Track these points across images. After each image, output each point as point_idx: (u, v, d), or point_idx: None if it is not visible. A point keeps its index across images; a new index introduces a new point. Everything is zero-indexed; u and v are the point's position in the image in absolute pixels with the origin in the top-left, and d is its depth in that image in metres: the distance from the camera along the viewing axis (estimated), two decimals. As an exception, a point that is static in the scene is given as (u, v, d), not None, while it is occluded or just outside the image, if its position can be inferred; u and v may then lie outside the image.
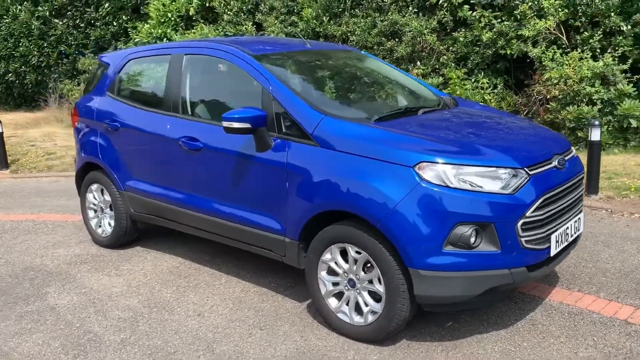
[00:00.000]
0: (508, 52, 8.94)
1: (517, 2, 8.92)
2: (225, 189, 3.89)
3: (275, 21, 11.49)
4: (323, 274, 3.44)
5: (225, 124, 3.51)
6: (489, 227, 2.97)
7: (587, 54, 8.16)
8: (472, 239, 2.96)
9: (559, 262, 3.40)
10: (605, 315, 3.48)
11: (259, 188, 3.67)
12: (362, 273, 3.26)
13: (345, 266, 3.32)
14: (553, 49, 8.47)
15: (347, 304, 3.37)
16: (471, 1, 9.39)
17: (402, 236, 2.99)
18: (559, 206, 3.24)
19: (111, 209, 4.93)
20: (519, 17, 8.92)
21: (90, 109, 4.96)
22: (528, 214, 3.02)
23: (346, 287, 3.36)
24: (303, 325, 3.56)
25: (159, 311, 3.84)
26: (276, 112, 3.57)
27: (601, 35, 8.26)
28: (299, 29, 11.25)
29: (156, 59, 4.66)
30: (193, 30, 12.55)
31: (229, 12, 12.32)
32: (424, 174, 3.00)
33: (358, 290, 3.30)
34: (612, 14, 8.11)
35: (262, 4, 12.07)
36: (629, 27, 8.12)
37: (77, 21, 15.58)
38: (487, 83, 9.25)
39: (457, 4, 9.52)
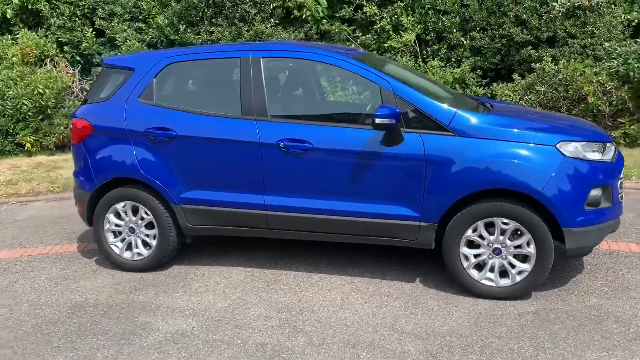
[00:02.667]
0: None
1: (376, 18, 10.11)
2: (345, 187, 4.04)
3: (125, 28, 10.83)
4: (465, 248, 3.90)
5: (378, 120, 3.73)
6: (607, 188, 3.85)
7: (443, 63, 9.74)
8: (600, 199, 3.80)
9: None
10: None
11: (391, 180, 3.94)
12: (509, 241, 3.83)
13: (491, 237, 3.85)
14: (412, 60, 9.87)
15: (492, 271, 3.90)
16: (336, 15, 10.32)
17: (558, 202, 3.68)
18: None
19: (150, 227, 4.50)
20: (378, 31, 10.15)
21: (117, 118, 4.45)
22: (621, 175, 3.99)
23: (490, 256, 3.89)
24: (445, 298, 3.97)
25: (302, 312, 3.83)
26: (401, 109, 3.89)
27: (446, 48, 9.92)
28: (149, 37, 10.83)
29: (214, 63, 4.44)
30: (16, 35, 11.01)
31: (60, 17, 11.16)
32: (564, 150, 3.73)
33: (503, 256, 3.86)
34: (455, 30, 9.80)
35: (100, 9, 11.24)
36: (468, 41, 9.90)
37: None
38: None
39: (319, 17, 10.37)
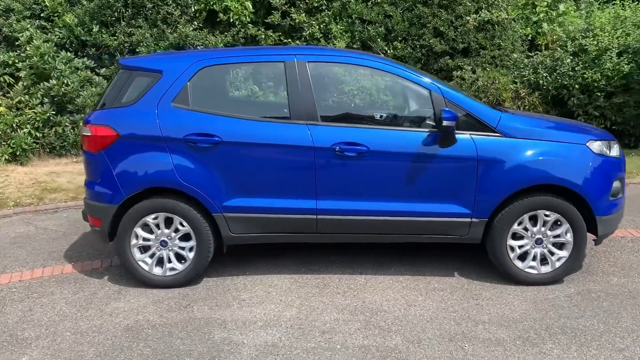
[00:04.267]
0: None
1: (305, 25, 10.29)
2: (399, 188, 4.17)
3: (28, 26, 9.85)
4: (511, 240, 4.25)
5: (445, 123, 3.93)
6: (622, 180, 4.42)
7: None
8: (619, 190, 4.36)
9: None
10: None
11: (445, 180, 4.16)
12: (549, 231, 4.24)
13: (534, 229, 4.24)
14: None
15: (534, 259, 4.28)
16: (266, 20, 10.32)
17: (593, 194, 4.17)
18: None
19: (185, 239, 4.26)
20: (307, 38, 10.35)
21: (149, 124, 4.14)
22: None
23: (532, 246, 4.27)
24: (493, 288, 4.27)
25: (377, 313, 3.89)
26: (450, 113, 4.14)
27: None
28: (56, 37, 10.00)
29: (255, 67, 4.31)
30: None
31: (-58, 12, 9.87)
32: (593, 148, 4.24)
33: (544, 245, 4.27)
34: (379, 40, 10.31)
35: (-7, 5, 10.13)
36: (391, 50, 10.46)
37: None
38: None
39: (246, 22, 10.32)
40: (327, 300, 4.08)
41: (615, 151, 4.42)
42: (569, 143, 4.22)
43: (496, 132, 4.15)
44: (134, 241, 4.25)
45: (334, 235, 4.32)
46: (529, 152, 4.14)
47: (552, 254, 4.28)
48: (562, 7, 10.74)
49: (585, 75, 9.03)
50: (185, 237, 4.27)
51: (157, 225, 4.25)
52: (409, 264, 4.68)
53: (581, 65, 9.13)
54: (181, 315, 3.89)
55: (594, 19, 9.41)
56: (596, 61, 9.05)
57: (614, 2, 10.00)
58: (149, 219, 4.22)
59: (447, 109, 4.03)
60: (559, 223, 4.24)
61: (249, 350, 3.45)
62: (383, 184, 4.18)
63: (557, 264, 4.27)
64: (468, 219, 4.21)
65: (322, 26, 10.30)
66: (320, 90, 4.25)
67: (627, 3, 9.60)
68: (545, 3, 10.90)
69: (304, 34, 10.31)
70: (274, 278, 4.47)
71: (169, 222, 4.26)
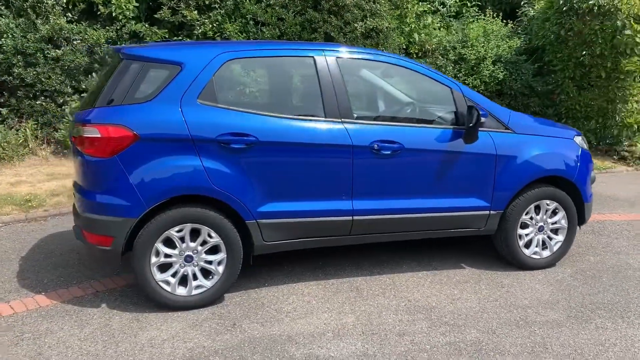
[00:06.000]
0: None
1: (196, 23, 9.81)
2: (430, 185, 4.22)
3: None
4: (519, 229, 4.57)
5: (483, 119, 4.08)
6: (592, 170, 5.02)
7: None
8: (594, 179, 4.94)
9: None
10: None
11: (469, 175, 4.31)
12: (549, 219, 4.65)
13: (538, 217, 4.61)
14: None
15: (537, 245, 4.66)
16: (155, 15, 9.60)
17: (583, 184, 4.67)
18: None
19: (212, 252, 3.82)
20: (199, 37, 9.87)
21: (174, 123, 3.62)
22: None
23: (536, 233, 4.64)
24: (506, 275, 4.53)
25: (437, 309, 3.89)
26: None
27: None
28: None
29: (283, 61, 4.00)
30: None
31: None
32: (577, 142, 4.75)
33: (545, 232, 4.66)
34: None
35: None
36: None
37: None
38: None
39: (130, 17, 9.55)
40: (374, 303, 3.97)
41: (586, 145, 4.98)
42: (562, 138, 4.66)
43: (508, 129, 4.42)
44: (154, 259, 3.69)
45: (366, 236, 4.21)
46: (536, 147, 4.48)
47: (551, 239, 4.67)
48: (429, 19, 11.68)
49: (466, 81, 9.95)
50: (213, 250, 3.82)
51: (182, 239, 3.73)
52: (415, 261, 4.74)
53: (462, 72, 10.04)
54: (237, 337, 3.47)
55: (469, 31, 10.41)
56: (475, 69, 10.03)
57: (479, 17, 11.15)
58: (173, 232, 3.69)
59: (474, 106, 4.17)
60: (556, 211, 4.65)
61: (343, 362, 3.22)
62: (415, 182, 4.19)
63: (555, 248, 4.68)
64: (487, 212, 4.41)
65: (214, 25, 9.88)
66: (352, 87, 4.11)
67: (489, 19, 10.80)
68: (415, 15, 11.76)
69: (196, 32, 9.80)
70: (299, 286, 4.21)
71: (194, 234, 3.77)
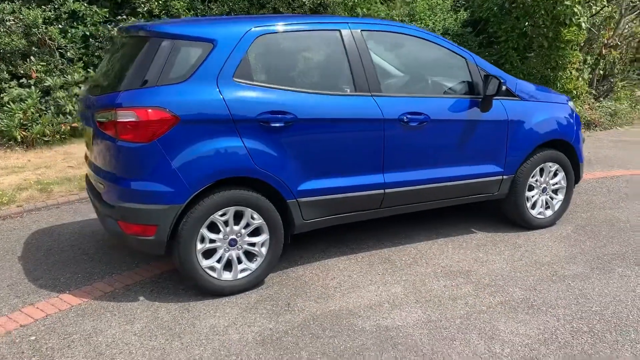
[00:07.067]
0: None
1: (134, 2, 9.35)
2: (453, 154, 4.33)
3: None
4: (527, 192, 4.81)
5: (504, 87, 4.23)
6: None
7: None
8: (584, 139, 5.27)
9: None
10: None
11: (487, 142, 4.47)
12: (551, 180, 4.93)
13: (541, 179, 4.87)
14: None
15: (541, 206, 4.93)
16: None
17: (578, 145, 4.99)
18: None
19: (254, 234, 3.75)
20: (145, 15, 9.44)
21: (214, 103, 3.48)
22: None
23: (539, 195, 4.91)
24: (517, 236, 4.77)
25: (467, 274, 4.04)
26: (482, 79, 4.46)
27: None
28: None
29: (311, 35, 3.91)
30: None
31: None
32: (570, 106, 5.05)
33: (547, 193, 4.94)
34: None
35: None
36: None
37: None
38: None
39: (68, -4, 8.98)
40: (412, 272, 4.05)
41: (576, 108, 5.29)
42: (559, 103, 4.93)
43: (516, 96, 4.61)
44: (199, 246, 3.56)
45: (395, 208, 4.27)
46: (541, 113, 4.71)
47: (552, 199, 4.96)
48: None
49: (417, 54, 10.17)
50: (255, 232, 3.74)
51: (226, 223, 3.62)
52: (428, 229, 4.87)
53: (413, 45, 10.25)
54: (298, 316, 3.44)
55: (417, 5, 10.62)
56: (424, 41, 10.26)
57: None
58: (217, 216, 3.58)
59: (492, 75, 4.31)
60: (557, 172, 4.93)
61: (413, 330, 3.28)
62: (439, 151, 4.29)
63: (556, 207, 4.97)
64: (500, 177, 4.60)
65: (160, 2, 9.46)
66: (377, 59, 4.11)
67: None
68: (358, -11, 11.82)
69: (140, 10, 9.34)
70: (332, 262, 4.22)
71: (237, 217, 3.67)
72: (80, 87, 8.87)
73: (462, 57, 4.39)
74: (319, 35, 3.98)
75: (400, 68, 4.45)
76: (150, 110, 3.34)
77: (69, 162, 7.31)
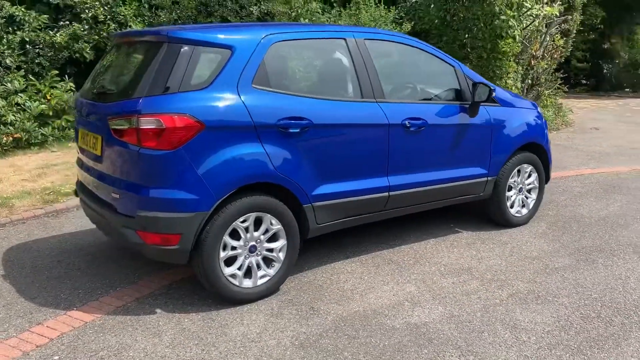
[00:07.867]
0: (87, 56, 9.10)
1: (85, 7, 9.03)
2: (447, 157, 4.55)
3: None
4: (507, 192, 5.12)
5: (494, 94, 4.51)
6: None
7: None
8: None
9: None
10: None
11: (474, 146, 4.72)
12: (526, 180, 5.27)
13: (518, 180, 5.20)
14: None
15: (518, 205, 5.26)
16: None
17: (548, 148, 5.38)
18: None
19: (272, 240, 3.76)
20: (90, 21, 9.13)
21: (236, 109, 3.47)
22: None
23: (516, 194, 5.23)
24: (501, 234, 5.06)
25: (468, 271, 4.25)
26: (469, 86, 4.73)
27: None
28: None
29: (319, 44, 3.98)
30: None
31: None
32: (539, 110, 5.44)
33: (523, 192, 5.28)
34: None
35: None
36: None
37: None
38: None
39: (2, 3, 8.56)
40: (418, 271, 4.20)
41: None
42: (530, 108, 5.29)
43: (496, 102, 4.91)
44: (222, 253, 3.53)
45: (397, 210, 4.41)
46: (518, 118, 5.04)
47: (527, 198, 5.31)
48: (313, 5, 11.98)
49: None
50: (272, 238, 3.75)
51: (246, 229, 3.61)
52: (417, 230, 5.05)
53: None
54: (327, 319, 3.49)
55: (363, 16, 10.91)
56: (370, 52, 10.56)
57: (365, 3, 11.72)
58: (238, 223, 3.56)
59: (481, 82, 4.58)
60: (531, 173, 5.28)
61: (441, 325, 3.42)
62: (435, 155, 4.49)
63: (531, 205, 5.32)
64: (485, 178, 4.87)
65: (106, 8, 9.16)
66: (379, 67, 4.25)
67: (370, 5, 11.43)
68: (301, 1, 11.99)
69: (85, 16, 9.01)
70: (339, 265, 4.29)
71: (257, 223, 3.67)
72: (21, 96, 8.44)
73: (451, 65, 4.63)
74: (328, 43, 4.07)
75: (397, 75, 4.62)
76: (176, 117, 3.28)
77: (21, 174, 6.91)
